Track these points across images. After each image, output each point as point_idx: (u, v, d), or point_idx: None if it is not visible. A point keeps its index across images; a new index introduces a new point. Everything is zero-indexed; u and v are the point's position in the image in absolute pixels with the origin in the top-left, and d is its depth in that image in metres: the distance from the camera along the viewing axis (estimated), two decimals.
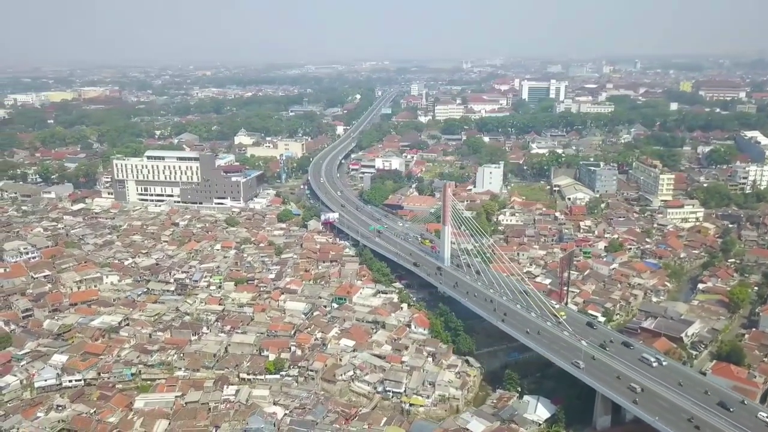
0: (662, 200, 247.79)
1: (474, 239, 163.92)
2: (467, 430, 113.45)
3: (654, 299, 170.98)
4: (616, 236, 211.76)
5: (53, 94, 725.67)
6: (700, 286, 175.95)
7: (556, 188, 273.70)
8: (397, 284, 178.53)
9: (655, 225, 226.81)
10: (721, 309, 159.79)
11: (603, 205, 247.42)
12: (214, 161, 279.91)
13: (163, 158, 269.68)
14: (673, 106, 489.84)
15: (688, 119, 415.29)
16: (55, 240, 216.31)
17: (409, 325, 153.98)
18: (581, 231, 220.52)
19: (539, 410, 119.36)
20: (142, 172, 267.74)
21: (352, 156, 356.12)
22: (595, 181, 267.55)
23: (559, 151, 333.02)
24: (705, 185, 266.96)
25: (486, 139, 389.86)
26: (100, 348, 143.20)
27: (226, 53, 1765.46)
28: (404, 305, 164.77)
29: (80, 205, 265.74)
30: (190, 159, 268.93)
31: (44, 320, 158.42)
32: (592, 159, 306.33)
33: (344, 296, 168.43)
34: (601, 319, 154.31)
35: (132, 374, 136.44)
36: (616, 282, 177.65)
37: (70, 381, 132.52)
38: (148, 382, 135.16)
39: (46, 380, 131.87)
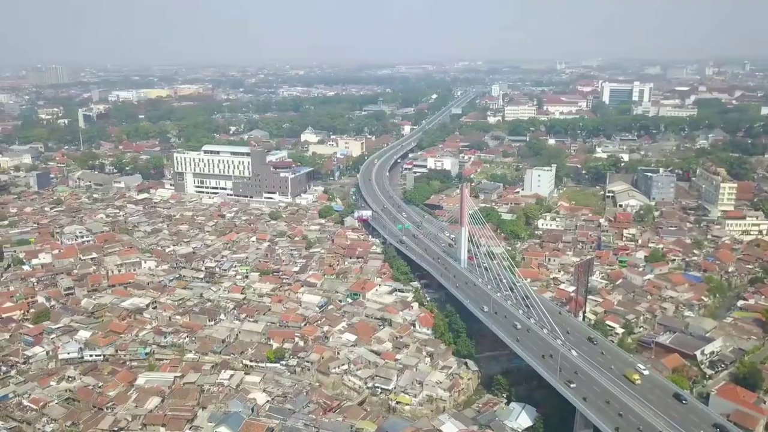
0: (722, 210, 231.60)
1: (504, 242, 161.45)
2: (440, 431, 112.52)
3: (687, 313, 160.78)
4: (660, 246, 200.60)
5: (151, 91, 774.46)
6: (740, 303, 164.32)
7: (610, 194, 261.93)
8: (415, 283, 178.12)
9: (709, 236, 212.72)
10: (756, 329, 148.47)
11: (657, 213, 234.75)
12: (264, 157, 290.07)
13: (217, 152, 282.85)
14: (765, 110, 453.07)
15: None
16: (112, 226, 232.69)
17: (414, 324, 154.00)
18: (623, 239, 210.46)
19: (521, 418, 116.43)
20: (198, 165, 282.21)
21: (410, 155, 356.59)
22: (651, 187, 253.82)
23: (624, 156, 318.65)
24: None
25: (551, 141, 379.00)
26: (123, 327, 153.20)
27: (326, 53, 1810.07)
28: (415, 304, 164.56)
29: (144, 195, 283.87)
30: (242, 154, 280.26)
31: (82, 299, 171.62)
32: (653, 165, 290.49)
33: (358, 292, 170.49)
34: (620, 330, 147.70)
35: (146, 353, 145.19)
36: (647, 293, 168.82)
37: (91, 356, 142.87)
38: (160, 361, 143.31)
39: (69, 353, 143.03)
